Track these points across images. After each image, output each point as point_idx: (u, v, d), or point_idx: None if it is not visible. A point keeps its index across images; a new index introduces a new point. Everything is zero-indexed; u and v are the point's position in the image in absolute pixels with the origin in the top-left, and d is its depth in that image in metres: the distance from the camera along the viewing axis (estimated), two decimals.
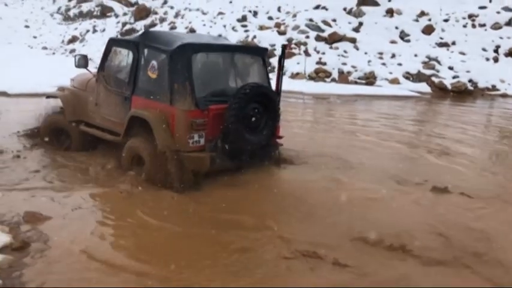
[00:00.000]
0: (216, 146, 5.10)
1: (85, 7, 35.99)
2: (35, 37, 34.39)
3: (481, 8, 19.86)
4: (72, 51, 27.93)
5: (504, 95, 15.76)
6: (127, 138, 5.34)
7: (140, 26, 27.30)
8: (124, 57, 5.70)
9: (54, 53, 28.79)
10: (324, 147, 7.13)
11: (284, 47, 5.82)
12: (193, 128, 4.95)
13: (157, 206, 4.61)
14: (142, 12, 28.88)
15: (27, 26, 36.46)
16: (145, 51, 5.34)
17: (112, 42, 5.87)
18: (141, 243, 3.92)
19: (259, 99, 5.17)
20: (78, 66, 5.86)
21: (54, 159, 5.93)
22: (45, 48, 30.80)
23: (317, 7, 20.97)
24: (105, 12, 33.58)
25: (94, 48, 25.47)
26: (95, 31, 30.75)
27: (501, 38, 18.38)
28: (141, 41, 5.42)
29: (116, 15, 32.43)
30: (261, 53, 5.85)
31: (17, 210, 4.28)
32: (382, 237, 3.98)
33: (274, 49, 17.54)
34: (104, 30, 30.14)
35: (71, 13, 37.13)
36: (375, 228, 4.19)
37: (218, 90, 5.27)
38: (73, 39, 30.78)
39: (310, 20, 19.60)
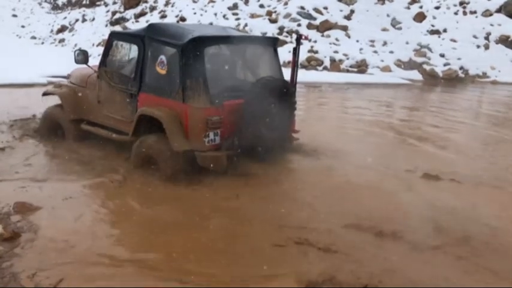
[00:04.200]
0: (233, 144, 4.86)
1: None
2: (23, 26, 33.84)
3: None
4: (62, 40, 27.60)
5: (494, 82, 15.81)
6: (135, 137, 5.07)
7: (130, 15, 26.95)
8: (128, 51, 5.46)
9: (43, 43, 28.41)
10: (317, 136, 7.10)
11: (299, 37, 5.49)
12: (208, 126, 4.68)
13: (149, 195, 4.60)
14: (132, 1, 28.43)
15: (14, 15, 35.87)
16: (153, 45, 5.04)
17: (114, 36, 5.54)
18: (132, 232, 3.92)
19: (276, 93, 4.93)
20: (77, 62, 5.52)
21: (44, 150, 5.88)
22: (33, 37, 30.35)
23: None
24: (94, 1, 33.09)
25: (83, 38, 25.23)
26: (84, 20, 30.29)
27: (492, 25, 18.37)
28: (146, 34, 5.08)
29: (106, 4, 31.94)
30: (273, 43, 5.58)
31: (6, 200, 4.25)
32: (373, 223, 4.02)
33: None
34: (93, 19, 29.71)
35: (60, 2, 36.56)
36: (367, 215, 4.22)
37: (231, 85, 5.04)
38: (62, 29, 30.32)
39: (302, 7, 19.45)
